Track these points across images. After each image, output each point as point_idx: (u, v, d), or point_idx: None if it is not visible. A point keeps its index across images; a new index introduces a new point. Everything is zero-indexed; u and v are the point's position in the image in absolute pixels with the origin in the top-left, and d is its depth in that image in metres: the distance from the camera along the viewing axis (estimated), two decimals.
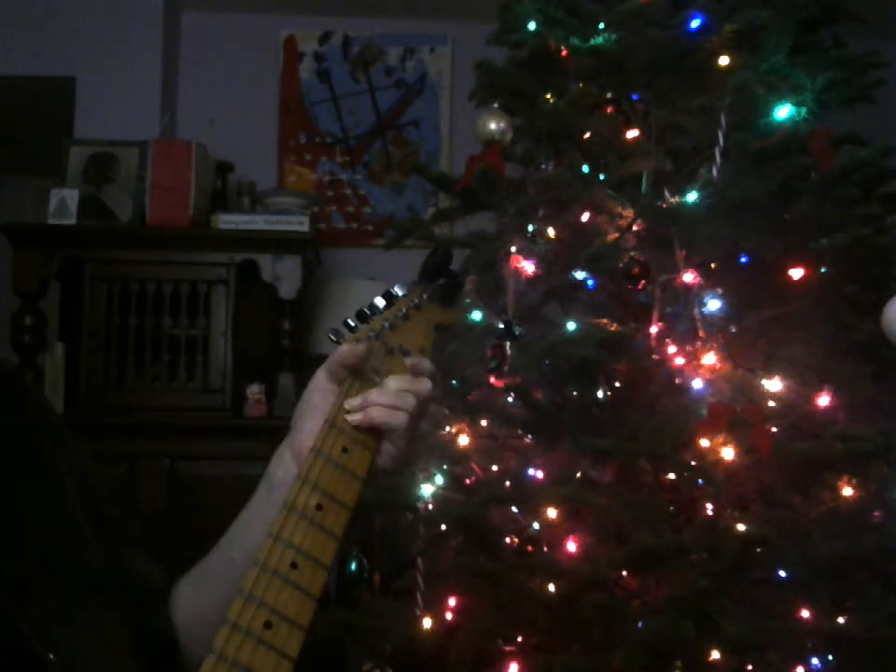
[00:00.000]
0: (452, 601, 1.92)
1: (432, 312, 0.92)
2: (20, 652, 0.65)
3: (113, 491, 2.75)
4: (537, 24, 2.08)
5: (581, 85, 2.05)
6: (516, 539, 1.85)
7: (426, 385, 0.81)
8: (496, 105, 2.12)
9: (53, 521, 0.77)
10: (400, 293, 0.90)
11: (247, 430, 3.01)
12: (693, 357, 1.81)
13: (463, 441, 2.01)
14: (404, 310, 0.89)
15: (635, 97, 2.05)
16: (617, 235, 1.91)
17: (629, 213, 1.91)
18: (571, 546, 1.78)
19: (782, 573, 1.72)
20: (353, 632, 1.85)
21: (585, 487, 1.83)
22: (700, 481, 1.80)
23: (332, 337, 0.84)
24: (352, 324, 0.85)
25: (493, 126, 2.03)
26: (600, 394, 1.83)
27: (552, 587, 1.78)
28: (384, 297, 0.88)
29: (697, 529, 1.78)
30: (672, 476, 1.86)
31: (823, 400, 1.80)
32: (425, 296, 0.92)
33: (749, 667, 1.68)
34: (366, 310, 0.87)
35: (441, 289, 0.93)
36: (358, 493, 0.76)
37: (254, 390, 3.03)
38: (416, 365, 0.82)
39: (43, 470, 0.79)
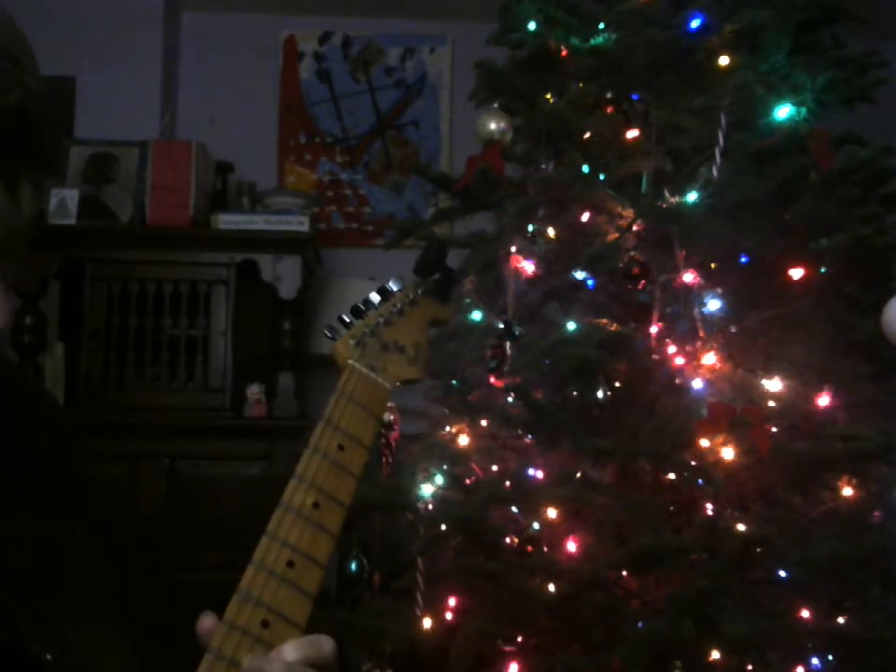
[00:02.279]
0: (452, 601, 1.92)
1: (427, 307, 0.92)
2: (15, 652, 0.65)
3: (114, 491, 2.75)
4: (537, 24, 2.08)
5: (580, 85, 2.05)
6: (516, 539, 1.85)
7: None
8: (496, 105, 2.12)
9: (59, 528, 0.77)
10: (395, 288, 0.90)
11: (247, 430, 3.01)
12: (693, 357, 1.81)
13: (463, 441, 2.01)
14: (399, 305, 0.89)
15: (635, 97, 2.05)
16: (617, 235, 1.91)
17: (629, 213, 1.91)
18: (571, 546, 1.78)
19: (782, 573, 1.72)
20: (353, 632, 1.85)
21: (585, 487, 1.83)
22: (700, 481, 1.80)
23: (328, 334, 0.84)
24: (347, 320, 0.85)
25: (493, 126, 2.03)
26: (600, 394, 1.83)
27: (552, 587, 1.78)
28: (379, 292, 0.88)
29: (697, 529, 1.78)
30: (672, 476, 1.86)
31: (823, 400, 1.80)
32: (420, 291, 0.92)
33: (749, 667, 1.68)
34: (361, 305, 0.86)
35: (437, 285, 0.93)
36: (354, 490, 0.76)
37: (254, 390, 3.03)
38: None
39: (49, 473, 0.79)
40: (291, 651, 0.67)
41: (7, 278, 0.67)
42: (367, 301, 0.87)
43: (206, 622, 0.70)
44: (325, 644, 0.69)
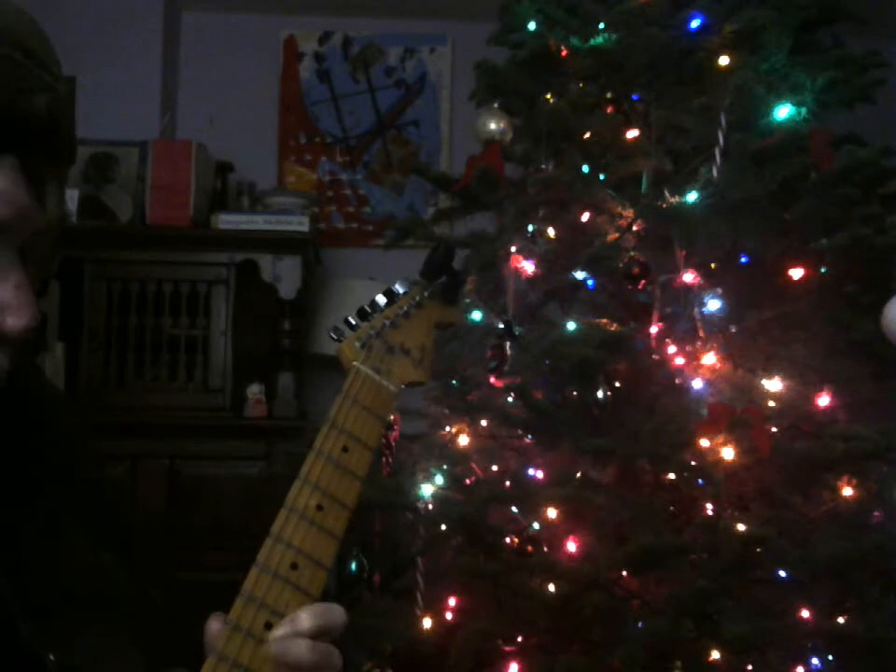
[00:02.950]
0: (452, 601, 1.93)
1: (434, 310, 0.92)
2: (18, 652, 0.65)
3: (117, 491, 2.75)
4: (537, 24, 2.08)
5: (580, 85, 2.05)
6: (516, 539, 1.85)
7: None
8: (496, 105, 2.12)
9: (63, 528, 0.77)
10: (402, 291, 0.90)
11: (247, 430, 3.01)
12: (693, 357, 1.81)
13: (463, 441, 2.02)
14: (405, 308, 0.88)
15: (635, 97, 2.05)
16: (617, 235, 1.91)
17: (629, 213, 1.91)
18: (571, 546, 1.78)
19: (782, 573, 1.72)
20: (353, 632, 1.85)
21: (585, 487, 1.83)
22: (700, 481, 1.80)
23: (333, 335, 0.84)
24: (353, 322, 0.85)
25: (493, 126, 2.03)
26: (600, 394, 1.83)
27: (552, 587, 1.78)
28: (385, 294, 0.88)
29: (697, 529, 1.78)
30: (672, 476, 1.86)
31: (823, 400, 1.81)
32: (426, 294, 0.91)
33: (749, 667, 1.68)
34: (367, 307, 0.86)
35: (443, 287, 0.93)
36: (359, 493, 0.75)
37: (254, 390, 3.03)
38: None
39: (54, 473, 0.79)
40: (306, 619, 0.69)
41: (34, 279, 0.68)
42: (373, 304, 0.87)
43: (214, 624, 0.71)
44: (336, 613, 0.72)
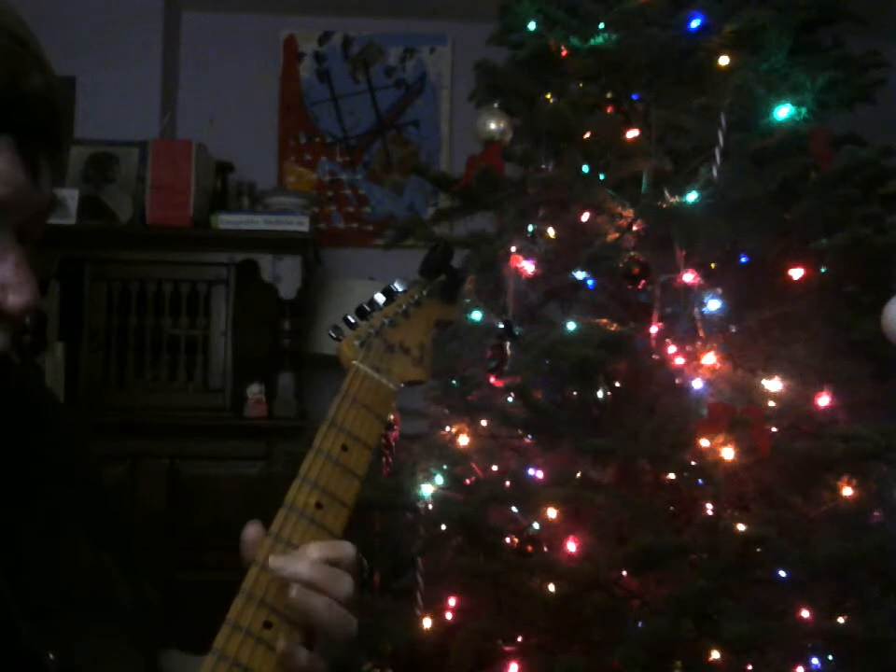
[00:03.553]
0: (452, 601, 1.92)
1: (433, 308, 0.92)
2: (17, 650, 0.65)
3: (118, 492, 2.75)
4: (537, 24, 2.08)
5: (580, 85, 2.05)
6: (516, 539, 1.85)
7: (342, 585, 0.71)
8: (496, 105, 2.12)
9: (63, 528, 0.77)
10: (401, 289, 0.90)
11: (247, 430, 3.01)
12: (693, 357, 1.81)
13: (463, 441, 2.01)
14: (404, 306, 0.88)
15: (635, 97, 2.05)
16: (617, 235, 1.91)
17: (629, 213, 1.91)
18: (571, 546, 1.78)
19: (782, 573, 1.72)
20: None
21: (585, 487, 1.83)
22: (700, 481, 1.80)
23: (332, 334, 0.84)
24: (352, 321, 0.85)
25: (493, 126, 2.03)
26: (600, 394, 1.83)
27: (552, 587, 1.78)
28: (384, 293, 0.88)
29: (697, 529, 1.78)
30: (672, 476, 1.86)
31: (823, 400, 1.80)
32: (425, 292, 0.91)
33: (749, 667, 1.68)
34: (366, 306, 0.86)
35: (442, 286, 0.93)
36: (358, 492, 0.75)
37: (254, 390, 3.03)
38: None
39: (55, 474, 0.79)
40: (315, 550, 0.70)
41: (32, 260, 0.69)
42: (372, 302, 0.87)
43: (251, 531, 0.72)
44: (346, 548, 0.73)
